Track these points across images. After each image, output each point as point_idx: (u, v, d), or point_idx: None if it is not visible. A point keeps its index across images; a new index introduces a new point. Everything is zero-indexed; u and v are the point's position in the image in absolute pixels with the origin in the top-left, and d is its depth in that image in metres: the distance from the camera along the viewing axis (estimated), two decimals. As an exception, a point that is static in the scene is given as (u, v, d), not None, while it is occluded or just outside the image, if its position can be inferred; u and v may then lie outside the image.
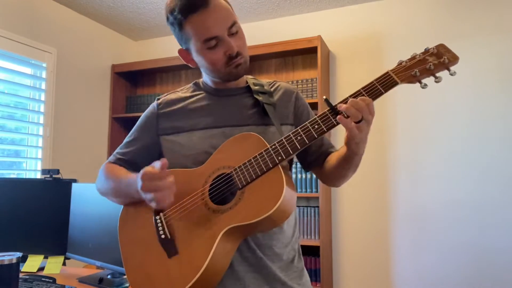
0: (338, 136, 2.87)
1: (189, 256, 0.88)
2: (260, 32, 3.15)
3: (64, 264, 1.78)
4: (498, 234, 2.41)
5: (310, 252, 2.72)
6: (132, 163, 1.10)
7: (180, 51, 1.04)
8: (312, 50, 2.78)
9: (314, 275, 2.65)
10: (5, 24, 2.53)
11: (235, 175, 0.89)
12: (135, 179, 0.94)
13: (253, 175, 0.87)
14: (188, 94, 1.10)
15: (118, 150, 1.14)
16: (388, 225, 2.69)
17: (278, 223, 0.88)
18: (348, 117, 0.82)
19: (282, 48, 2.82)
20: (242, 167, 0.89)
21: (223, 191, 0.91)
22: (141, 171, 0.90)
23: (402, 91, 2.72)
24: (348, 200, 2.82)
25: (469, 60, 2.55)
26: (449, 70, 0.84)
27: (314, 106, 2.75)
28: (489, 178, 2.46)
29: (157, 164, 0.88)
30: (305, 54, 2.95)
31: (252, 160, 0.88)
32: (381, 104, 2.77)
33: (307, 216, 2.72)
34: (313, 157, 1.09)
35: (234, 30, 0.95)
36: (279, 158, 0.86)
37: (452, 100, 2.59)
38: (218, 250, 0.85)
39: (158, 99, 1.12)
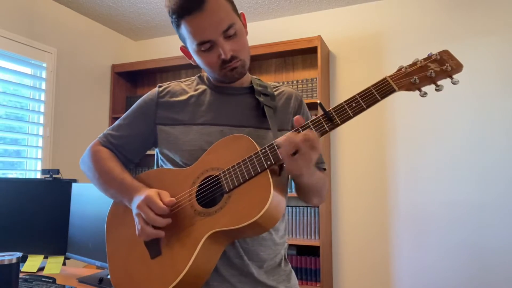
0: (337, 142, 2.87)
1: (171, 258, 0.86)
2: (260, 32, 3.15)
3: (64, 264, 1.78)
4: (498, 234, 2.41)
5: (310, 252, 2.72)
6: (124, 148, 1.07)
7: (182, 48, 1.03)
8: (312, 50, 2.78)
9: (314, 275, 2.65)
10: (5, 24, 2.53)
11: (223, 178, 0.87)
12: (132, 190, 0.94)
13: (241, 179, 0.85)
14: (191, 87, 1.08)
15: (110, 131, 1.09)
16: (388, 225, 2.69)
17: (266, 228, 0.85)
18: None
19: (282, 48, 2.81)
20: (231, 170, 0.86)
21: (210, 194, 0.89)
22: (147, 194, 0.88)
23: (402, 92, 2.72)
24: (348, 200, 2.82)
25: (469, 61, 2.55)
26: (451, 78, 0.79)
27: (314, 106, 2.75)
28: (489, 178, 2.46)
29: (165, 197, 0.87)
30: (305, 54, 2.95)
31: (241, 163, 0.86)
32: (381, 104, 2.77)
33: (307, 216, 2.72)
34: None
35: (231, 33, 0.92)
36: (268, 162, 0.83)
37: (452, 100, 2.59)
38: (200, 255, 0.83)
39: (160, 86, 1.09)
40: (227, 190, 0.86)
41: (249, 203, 0.81)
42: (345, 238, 2.80)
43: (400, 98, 2.72)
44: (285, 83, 2.89)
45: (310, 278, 2.66)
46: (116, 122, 1.10)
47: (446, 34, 2.64)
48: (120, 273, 0.94)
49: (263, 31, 3.15)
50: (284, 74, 3.05)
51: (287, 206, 2.97)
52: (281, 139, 0.82)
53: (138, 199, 0.89)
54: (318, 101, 0.84)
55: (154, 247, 0.90)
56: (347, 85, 2.90)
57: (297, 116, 0.83)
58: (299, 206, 2.76)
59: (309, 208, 2.72)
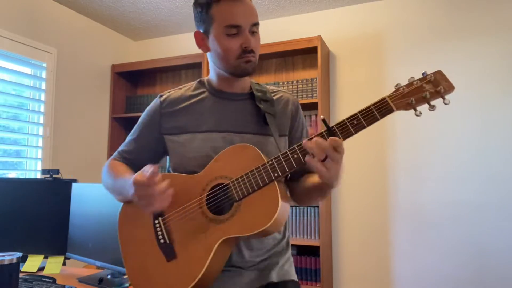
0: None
1: (187, 262, 0.92)
2: (260, 32, 3.15)
3: (64, 264, 1.78)
4: (498, 234, 2.41)
5: (310, 252, 2.72)
6: (137, 161, 1.11)
7: (196, 34, 1.06)
8: (312, 50, 2.78)
9: (314, 275, 2.65)
10: (5, 24, 2.53)
11: (232, 187, 0.92)
12: (129, 182, 0.96)
13: (250, 189, 0.90)
14: (191, 93, 1.10)
15: (122, 148, 1.15)
16: (388, 225, 2.69)
17: (272, 233, 0.94)
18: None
19: (282, 48, 2.82)
20: (239, 180, 0.92)
21: (220, 201, 0.94)
22: (133, 177, 0.91)
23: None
24: (348, 200, 2.82)
25: (469, 61, 2.55)
26: (444, 99, 0.83)
27: (314, 106, 2.75)
28: (490, 178, 2.46)
29: (147, 169, 0.89)
30: (305, 54, 2.95)
31: (249, 174, 0.91)
32: (381, 104, 2.76)
33: (307, 216, 2.72)
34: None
35: (255, 30, 1.02)
36: (275, 174, 0.89)
37: (453, 100, 2.58)
38: (214, 258, 0.91)
39: (161, 96, 1.12)
40: (237, 199, 0.91)
41: (259, 212, 0.88)
42: (345, 238, 2.80)
43: (400, 98, 2.72)
44: (285, 83, 2.89)
45: (310, 278, 2.66)
46: (127, 138, 1.16)
47: (446, 34, 2.64)
48: (138, 273, 0.99)
49: (263, 31, 3.12)
50: (284, 74, 3.05)
51: (287, 206, 2.94)
52: (309, 144, 0.84)
53: (131, 189, 0.92)
54: (322, 117, 0.87)
55: (169, 250, 0.95)
56: (347, 85, 2.90)
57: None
58: (299, 206, 2.76)
59: (309, 208, 2.72)
